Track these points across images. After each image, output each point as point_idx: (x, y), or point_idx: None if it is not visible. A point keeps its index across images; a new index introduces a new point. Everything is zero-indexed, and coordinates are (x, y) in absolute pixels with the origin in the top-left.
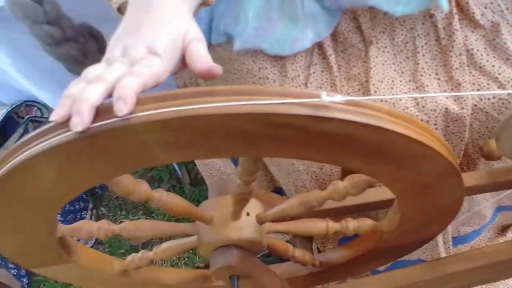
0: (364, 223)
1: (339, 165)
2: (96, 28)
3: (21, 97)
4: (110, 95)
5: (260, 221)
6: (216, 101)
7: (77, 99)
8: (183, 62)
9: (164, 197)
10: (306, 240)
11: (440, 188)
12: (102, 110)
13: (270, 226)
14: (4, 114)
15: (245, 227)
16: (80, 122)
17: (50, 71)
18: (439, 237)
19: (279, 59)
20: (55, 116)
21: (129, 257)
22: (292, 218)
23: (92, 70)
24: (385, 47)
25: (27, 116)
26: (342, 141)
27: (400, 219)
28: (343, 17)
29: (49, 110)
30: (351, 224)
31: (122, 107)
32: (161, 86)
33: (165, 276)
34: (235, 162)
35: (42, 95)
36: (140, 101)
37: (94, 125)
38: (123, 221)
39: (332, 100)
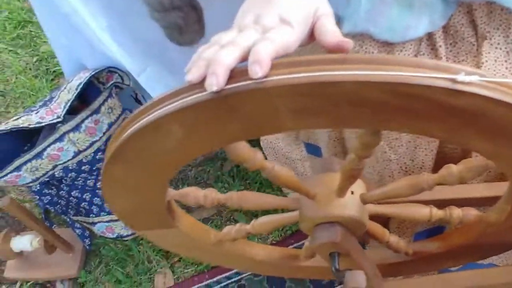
0: (470, 213)
1: (462, 145)
2: None
3: (105, 62)
4: (242, 59)
5: (365, 200)
6: (348, 68)
7: (213, 61)
8: (311, 36)
9: (275, 168)
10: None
11: None
12: (236, 73)
13: (372, 208)
14: (87, 78)
15: (350, 205)
16: (216, 83)
17: (143, 39)
18: None
19: (386, 46)
20: (191, 77)
21: (226, 229)
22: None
23: (224, 36)
24: (498, 43)
25: (112, 81)
26: (474, 118)
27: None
28: (457, 10)
29: (130, 77)
30: (456, 212)
31: (258, 70)
32: None
33: (255, 251)
34: (309, 149)
35: (128, 62)
36: (274, 66)
37: (228, 86)
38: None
39: (469, 80)
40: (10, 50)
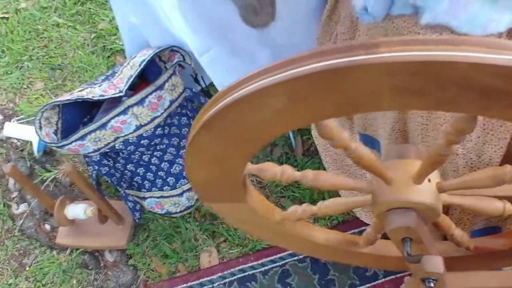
0: None
1: None
2: None
3: (170, 41)
4: None
5: (441, 189)
6: (465, 50)
7: None
8: None
9: (359, 148)
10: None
11: None
12: (347, 48)
13: (446, 197)
14: (151, 55)
15: (427, 193)
16: None
17: (211, 20)
18: None
19: None
20: None
21: (291, 208)
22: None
23: None
24: None
25: (175, 60)
26: None
27: None
28: None
29: (191, 58)
30: None
31: None
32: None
33: (315, 234)
34: (364, 140)
35: (193, 42)
36: (387, 44)
37: (340, 60)
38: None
39: None
40: (69, 26)
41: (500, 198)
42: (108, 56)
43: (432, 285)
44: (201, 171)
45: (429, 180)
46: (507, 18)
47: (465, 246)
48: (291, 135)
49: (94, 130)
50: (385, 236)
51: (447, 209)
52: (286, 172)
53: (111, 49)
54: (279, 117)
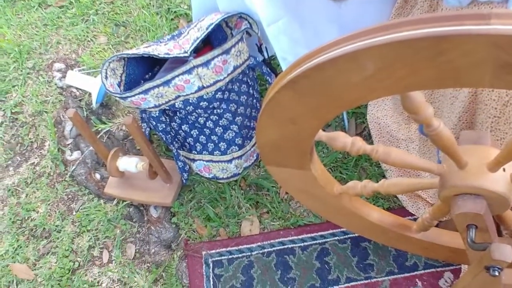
0: None
1: None
2: None
3: (239, 8)
4: None
5: None
6: None
7: None
8: None
9: (441, 127)
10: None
11: None
12: (457, 17)
13: None
14: (219, 19)
15: (501, 182)
16: None
17: None
18: None
19: None
20: None
21: (351, 183)
22: None
23: None
24: None
25: (244, 27)
26: None
27: None
28: None
29: (258, 26)
30: None
31: None
32: None
33: (369, 213)
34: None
35: (264, 11)
36: (498, 16)
37: (449, 28)
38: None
39: None
40: None
41: None
42: (172, 19)
43: (497, 273)
44: (273, 132)
45: (504, 170)
46: None
47: None
48: (345, 116)
49: (158, 86)
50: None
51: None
52: (357, 144)
53: (175, 12)
54: (368, 83)
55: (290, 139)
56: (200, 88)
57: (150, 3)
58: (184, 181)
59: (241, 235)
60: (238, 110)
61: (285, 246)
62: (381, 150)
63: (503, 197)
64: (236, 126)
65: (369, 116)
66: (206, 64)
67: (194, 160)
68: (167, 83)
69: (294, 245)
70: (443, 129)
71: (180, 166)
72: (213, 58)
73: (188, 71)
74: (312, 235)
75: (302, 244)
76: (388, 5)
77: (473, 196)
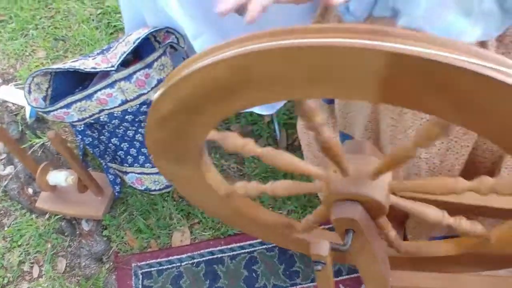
0: (476, 228)
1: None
2: None
3: (166, 23)
4: None
5: (393, 189)
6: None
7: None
8: None
9: (329, 134)
10: (400, 227)
11: None
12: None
13: (394, 198)
14: (146, 34)
15: (379, 189)
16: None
17: (204, 5)
18: None
19: None
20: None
21: (240, 183)
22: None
23: None
24: None
25: (168, 41)
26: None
27: None
28: None
29: (185, 41)
30: (464, 223)
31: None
32: None
33: (257, 213)
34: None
35: (187, 25)
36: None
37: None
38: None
39: None
40: (78, 0)
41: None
42: (111, 33)
43: (319, 267)
44: (161, 133)
45: (383, 179)
46: (478, 31)
47: (396, 248)
48: (276, 127)
49: (80, 100)
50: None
51: (407, 216)
52: (248, 146)
53: (115, 26)
54: (247, 91)
55: (179, 139)
56: (123, 102)
57: (90, 18)
58: (116, 193)
59: (172, 246)
60: None
61: (215, 256)
62: (271, 153)
63: (380, 203)
64: None
65: (299, 127)
66: (128, 78)
67: (126, 173)
68: (89, 97)
69: (223, 254)
70: (330, 137)
71: (111, 179)
72: (135, 72)
73: (110, 85)
74: (241, 244)
75: (231, 253)
76: (307, 21)
77: (350, 202)
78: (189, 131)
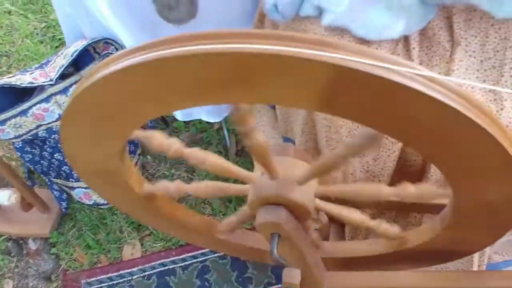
0: (391, 229)
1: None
2: None
3: (103, 33)
4: None
5: (319, 194)
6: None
7: None
8: None
9: (261, 138)
10: (340, 227)
11: (500, 194)
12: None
13: (319, 202)
14: (83, 46)
15: (306, 194)
16: None
17: (139, 14)
18: (476, 259)
19: (364, 43)
20: None
21: (162, 182)
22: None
23: None
24: (474, 51)
25: (104, 52)
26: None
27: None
28: (437, 14)
29: None
30: (383, 226)
31: None
32: None
33: (178, 214)
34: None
35: (124, 35)
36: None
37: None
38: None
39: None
40: (21, 14)
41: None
42: (57, 46)
43: None
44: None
45: (310, 184)
46: (401, 26)
47: (315, 246)
48: (226, 134)
49: (14, 116)
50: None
51: None
52: (174, 146)
53: (60, 39)
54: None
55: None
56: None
57: (34, 32)
58: (63, 210)
59: (122, 260)
60: None
61: (166, 267)
62: (199, 155)
63: (307, 208)
64: None
65: None
66: (64, 91)
67: (73, 188)
68: (23, 112)
69: (175, 265)
70: (262, 141)
71: (57, 195)
72: (71, 85)
73: (46, 100)
74: (193, 253)
75: (183, 264)
76: (246, 26)
77: (275, 206)
78: (106, 137)
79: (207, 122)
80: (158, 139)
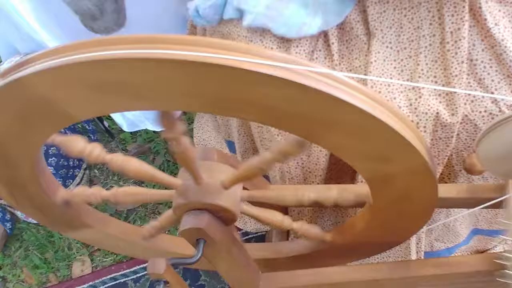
0: (312, 230)
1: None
2: None
3: (35, 47)
4: None
5: (243, 198)
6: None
7: None
8: None
9: (187, 143)
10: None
11: (409, 183)
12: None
13: (244, 206)
14: (17, 61)
15: (231, 199)
16: None
17: (66, 22)
18: (413, 248)
19: (285, 41)
20: None
21: (80, 188)
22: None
23: None
24: (390, 42)
25: None
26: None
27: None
28: (354, 8)
29: None
30: (304, 227)
31: None
32: None
33: (106, 226)
34: (231, 147)
35: (55, 45)
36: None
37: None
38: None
39: None
40: None
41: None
42: None
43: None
44: None
45: (234, 188)
46: (318, 22)
47: None
48: None
49: None
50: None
51: (286, 210)
52: (95, 151)
53: None
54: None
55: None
56: None
57: None
58: (8, 231)
59: (72, 277)
60: (49, 150)
61: (117, 281)
62: (120, 160)
63: (232, 212)
64: (51, 167)
65: (196, 139)
66: None
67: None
68: None
69: (126, 278)
70: (189, 147)
71: (0, 217)
72: None
73: None
74: (144, 265)
75: (134, 276)
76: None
77: (197, 212)
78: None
79: (154, 132)
80: (78, 144)
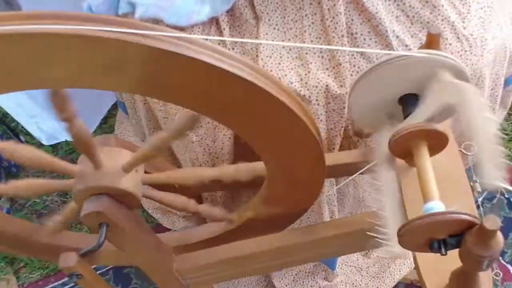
0: (214, 212)
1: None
2: None
3: None
4: None
5: (144, 181)
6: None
7: None
8: None
9: (82, 125)
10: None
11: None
12: None
13: (147, 190)
14: None
15: (133, 182)
16: None
17: None
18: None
19: (179, 30)
20: None
21: None
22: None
23: None
24: (276, 24)
25: None
26: None
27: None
28: None
29: None
30: (208, 209)
31: None
32: None
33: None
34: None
35: None
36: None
37: None
38: None
39: None
40: None
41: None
42: None
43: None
44: None
45: (136, 171)
46: (206, 9)
47: None
48: None
49: None
50: None
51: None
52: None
53: None
54: None
55: None
56: None
57: None
58: None
59: None
60: None
61: None
62: (9, 147)
63: (135, 195)
64: None
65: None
66: None
67: None
68: None
69: None
70: (83, 128)
71: None
72: None
73: None
74: None
75: None
76: None
77: (97, 196)
78: None
79: None
80: None
